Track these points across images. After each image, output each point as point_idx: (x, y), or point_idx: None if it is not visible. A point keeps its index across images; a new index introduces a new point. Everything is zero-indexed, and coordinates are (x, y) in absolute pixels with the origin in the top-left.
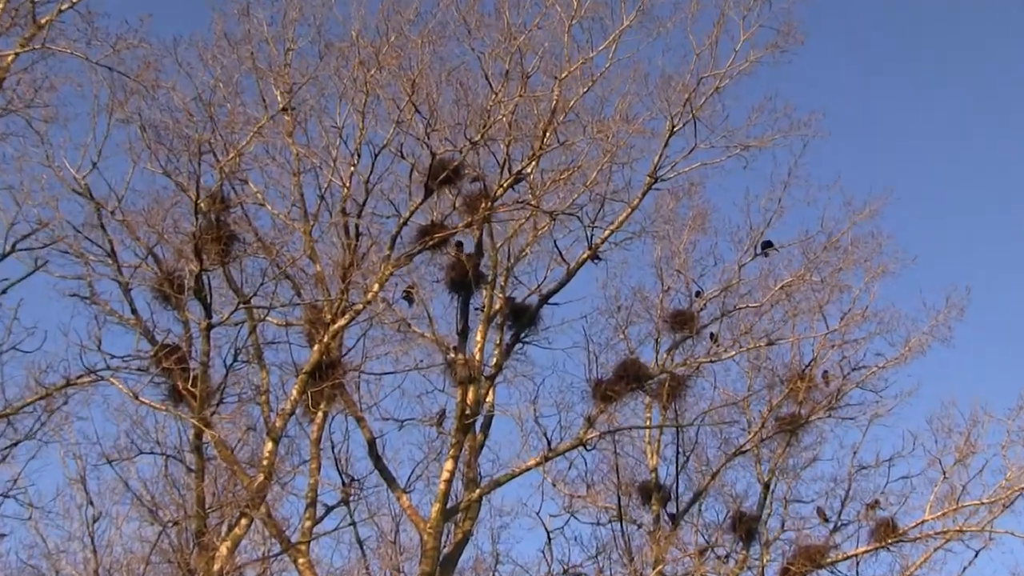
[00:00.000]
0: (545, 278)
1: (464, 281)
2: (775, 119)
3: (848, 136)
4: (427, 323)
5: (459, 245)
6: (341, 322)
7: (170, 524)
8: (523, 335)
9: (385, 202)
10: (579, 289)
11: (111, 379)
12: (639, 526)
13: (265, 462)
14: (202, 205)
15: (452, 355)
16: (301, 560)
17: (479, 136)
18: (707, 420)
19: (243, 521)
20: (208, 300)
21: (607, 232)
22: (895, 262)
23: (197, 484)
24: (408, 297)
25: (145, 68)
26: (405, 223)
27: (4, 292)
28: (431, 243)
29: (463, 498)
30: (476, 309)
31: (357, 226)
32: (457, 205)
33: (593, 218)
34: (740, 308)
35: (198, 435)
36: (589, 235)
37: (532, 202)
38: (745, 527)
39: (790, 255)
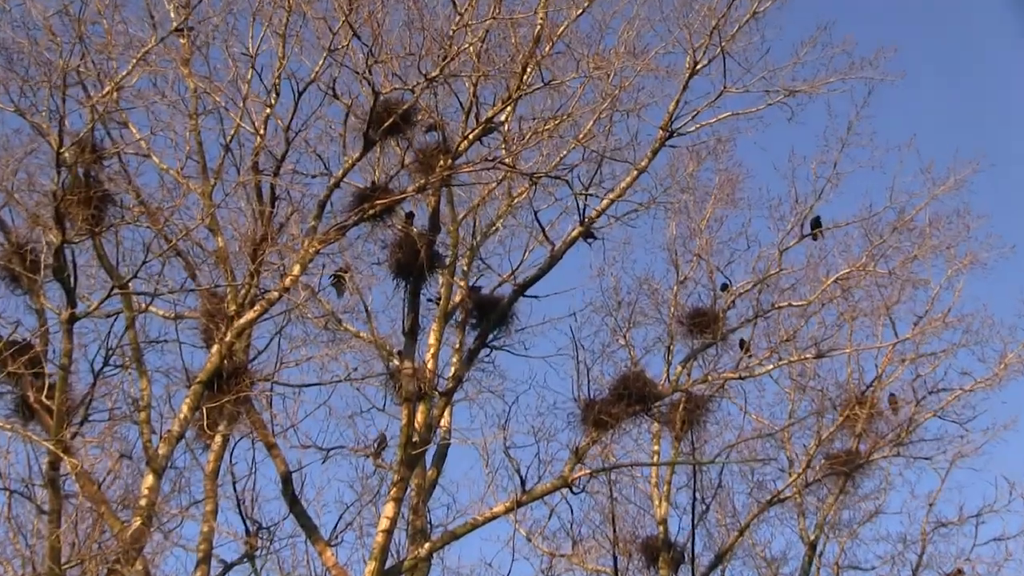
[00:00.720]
0: (522, 262)
1: (414, 264)
2: (830, 56)
3: (928, 81)
4: (364, 319)
5: (409, 216)
6: (249, 315)
7: None
8: (491, 337)
9: (311, 156)
10: (566, 278)
11: None
12: None
13: (144, 502)
14: (66, 155)
15: (396, 363)
16: None
17: (437, 71)
18: (734, 456)
19: None
20: (72, 283)
21: (605, 202)
22: (987, 250)
23: (51, 530)
24: (339, 284)
25: None
26: (337, 185)
27: None
28: (371, 212)
29: (407, 555)
30: (430, 301)
31: (273, 188)
32: (407, 162)
33: (587, 183)
34: (780, 307)
35: (54, 464)
36: (581, 206)
37: (506, 160)
38: None
39: (848, 238)
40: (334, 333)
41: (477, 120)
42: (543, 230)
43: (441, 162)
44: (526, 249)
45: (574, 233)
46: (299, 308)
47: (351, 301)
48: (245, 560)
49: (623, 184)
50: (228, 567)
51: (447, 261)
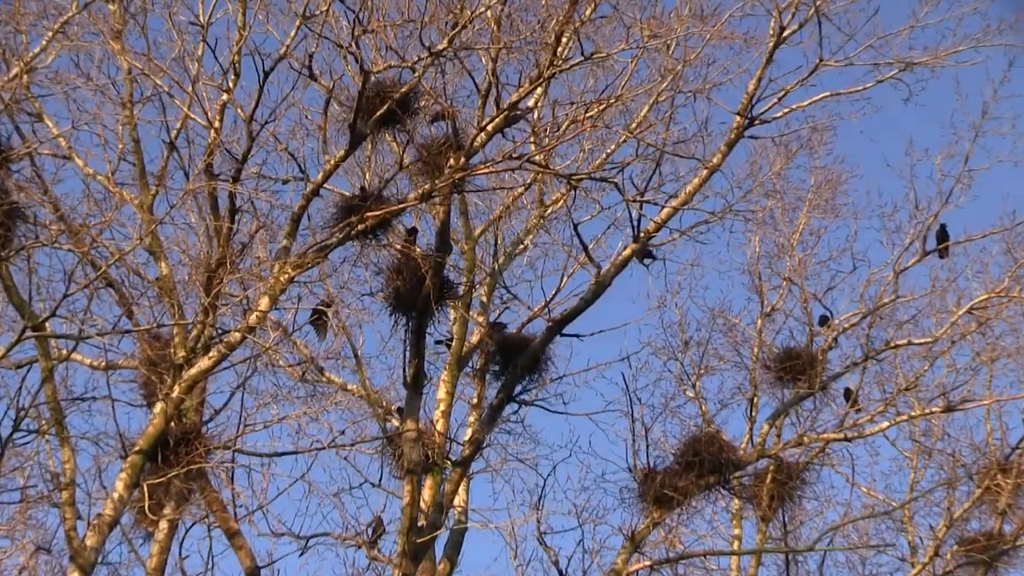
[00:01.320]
0: (558, 290)
1: (418, 295)
2: (959, 18)
3: None
4: (353, 368)
5: (410, 233)
6: (203, 364)
7: None
8: (520, 390)
9: (282, 156)
10: (617, 311)
11: None
12: None
13: None
14: None
15: (396, 423)
16: None
17: (445, 43)
18: (839, 542)
19: None
20: None
21: (666, 212)
22: None
23: None
24: (320, 322)
25: None
26: (316, 192)
27: None
28: (362, 228)
29: None
30: (439, 343)
31: (233, 197)
32: (407, 162)
33: (642, 187)
34: (897, 346)
35: None
36: (635, 217)
37: (536, 158)
38: None
39: (984, 255)
40: (314, 386)
41: (498, 106)
42: (585, 249)
43: (451, 162)
44: (564, 274)
45: (626, 252)
46: (268, 354)
47: (336, 344)
48: None
49: (690, 188)
50: None
51: (460, 291)
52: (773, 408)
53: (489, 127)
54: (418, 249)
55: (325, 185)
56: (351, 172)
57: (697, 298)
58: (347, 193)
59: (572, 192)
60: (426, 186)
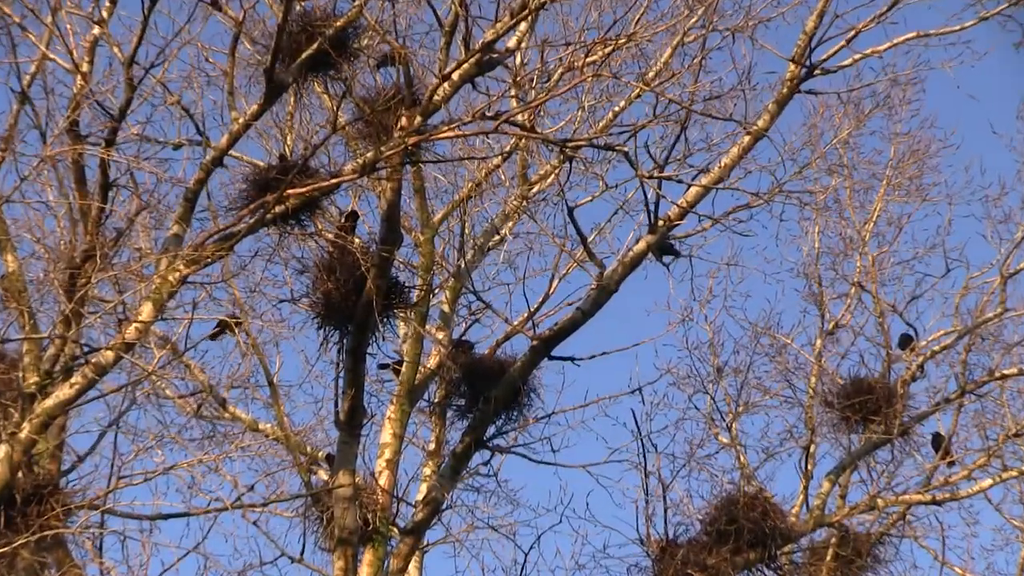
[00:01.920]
0: (547, 297)
1: (355, 303)
2: None
3: None
4: (266, 400)
5: (348, 219)
6: (63, 393)
7: None
8: (493, 431)
9: (174, 111)
10: (624, 326)
11: None
12: None
13: None
14: None
15: (324, 476)
16: None
17: None
18: None
19: None
20: None
21: (693, 192)
22: None
23: None
24: (221, 338)
25: None
26: (219, 161)
27: None
28: (280, 211)
29: None
30: (383, 368)
31: (105, 167)
32: (343, 122)
33: (662, 160)
34: (1004, 378)
35: None
36: (651, 200)
37: (518, 118)
38: None
39: None
40: (214, 424)
41: (467, 47)
42: (584, 241)
43: (403, 122)
44: (554, 275)
45: (639, 246)
46: (152, 380)
47: (244, 368)
48: None
49: (726, 160)
50: None
51: (414, 297)
52: (836, 460)
53: (455, 75)
54: (357, 240)
55: (231, 152)
56: (267, 135)
57: (735, 309)
58: (261, 163)
59: (567, 164)
60: (369, 154)
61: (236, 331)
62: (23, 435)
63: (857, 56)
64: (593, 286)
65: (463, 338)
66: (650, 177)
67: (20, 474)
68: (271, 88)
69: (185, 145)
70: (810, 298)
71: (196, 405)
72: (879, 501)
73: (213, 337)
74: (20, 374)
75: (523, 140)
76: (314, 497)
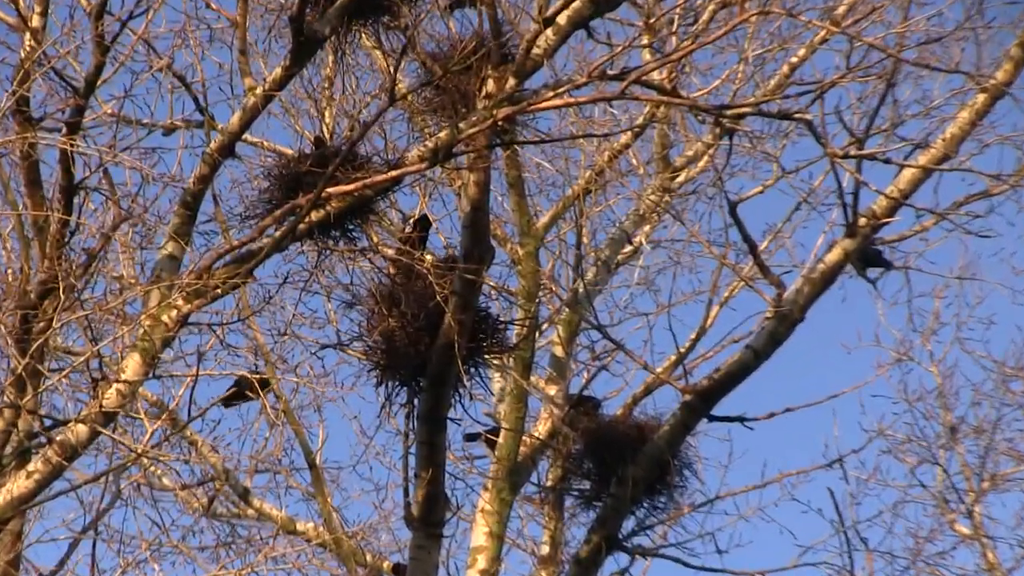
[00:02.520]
0: (702, 332)
1: (430, 347)
2: None
3: None
4: (307, 489)
5: (416, 226)
6: (18, 485)
7: None
8: (632, 526)
9: (163, 82)
10: (813, 369)
11: None
12: None
13: None
14: None
15: None
16: None
17: None
18: None
19: None
20: None
21: (907, 176)
22: None
23: None
24: (240, 401)
25: None
26: (229, 151)
27: None
28: (318, 218)
29: None
30: (471, 439)
31: (69, 160)
32: (403, 89)
33: (861, 131)
34: None
35: None
36: (846, 188)
37: (654, 77)
38: None
39: None
40: (232, 525)
41: None
42: (754, 250)
43: (490, 87)
44: (711, 300)
45: (832, 256)
46: (144, 464)
47: (275, 443)
48: None
49: (952, 129)
50: None
51: (511, 337)
52: None
53: (561, 18)
54: (429, 257)
55: (246, 136)
56: (297, 110)
57: (973, 343)
58: (289, 151)
59: (726, 141)
60: (442, 134)
61: (260, 392)
62: None
63: None
64: (768, 314)
65: (585, 394)
66: (845, 156)
67: None
68: (300, 44)
69: (180, 128)
70: None
71: (207, 499)
72: None
73: (228, 402)
74: None
75: (662, 108)
76: None
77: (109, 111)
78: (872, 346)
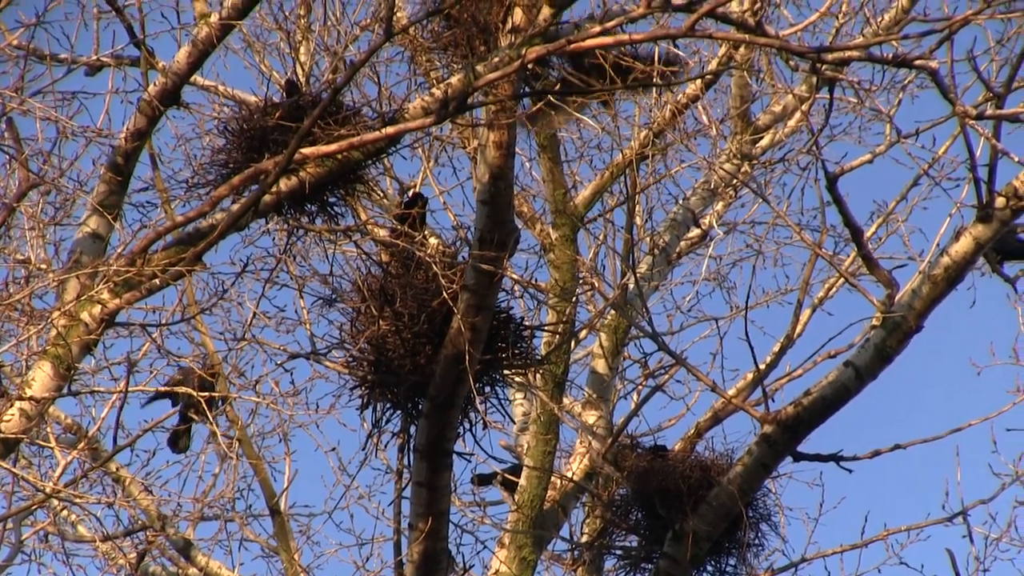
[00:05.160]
0: (790, 342)
1: (433, 360)
2: None
3: None
4: (270, 546)
5: (412, 202)
6: None
7: None
8: None
9: (84, 3)
10: (927, 398)
11: None
12: None
13: None
14: None
15: None
16: None
17: None
18: None
19: None
20: None
21: None
22: None
23: None
24: (184, 432)
25: None
26: (174, 99)
27: None
28: (290, 186)
29: None
30: (484, 481)
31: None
32: (404, 20)
33: (1002, 86)
34: None
35: None
36: (982, 160)
37: (733, 9)
38: None
39: None
40: None
41: None
42: (857, 237)
43: (517, 18)
44: (801, 301)
45: (960, 245)
46: (55, 508)
47: (225, 483)
48: None
49: None
50: None
51: (539, 347)
52: None
53: None
54: (433, 239)
55: (195, 78)
56: (263, 45)
57: None
58: (253, 98)
59: (825, 95)
60: (454, 80)
61: (208, 414)
62: None
63: None
64: (875, 321)
65: (635, 419)
66: (979, 117)
67: None
68: None
69: (110, 66)
70: None
71: (137, 553)
72: None
73: (175, 441)
74: None
75: (742, 49)
76: None
77: (15, 42)
78: (1010, 364)
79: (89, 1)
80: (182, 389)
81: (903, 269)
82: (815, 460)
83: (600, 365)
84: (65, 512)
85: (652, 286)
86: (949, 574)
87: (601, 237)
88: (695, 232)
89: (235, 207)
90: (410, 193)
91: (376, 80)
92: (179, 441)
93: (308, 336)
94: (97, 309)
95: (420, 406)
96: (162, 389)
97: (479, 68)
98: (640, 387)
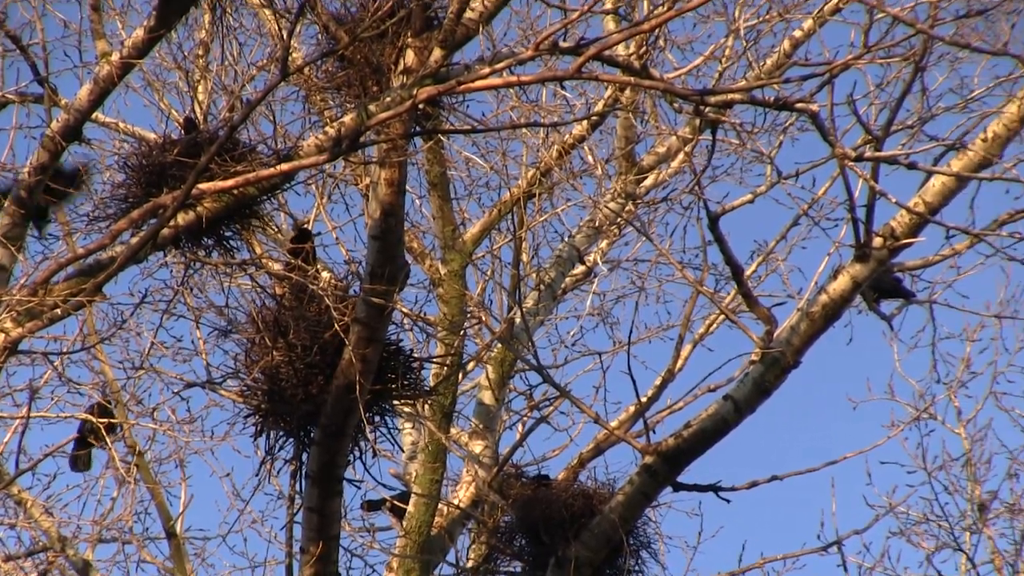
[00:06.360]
0: (671, 375)
1: (322, 387)
2: None
3: None
4: (166, 568)
5: (299, 237)
6: None
7: None
8: None
9: None
10: (803, 431)
11: None
12: None
13: None
14: None
15: None
16: None
17: None
18: None
19: None
20: None
21: (936, 186)
22: None
23: None
24: (83, 457)
25: None
26: (75, 134)
27: None
28: (188, 220)
29: None
30: (373, 508)
31: None
32: (300, 60)
33: (881, 128)
34: None
35: None
36: (861, 201)
37: (619, 53)
38: None
39: None
40: None
41: None
42: (738, 276)
43: (409, 59)
44: (683, 337)
45: (838, 284)
46: None
47: (123, 507)
48: None
49: (995, 127)
50: None
51: (428, 379)
52: None
53: None
54: (326, 273)
55: (97, 115)
56: (163, 83)
57: (1011, 398)
58: (152, 135)
59: (708, 137)
60: (348, 119)
61: (108, 440)
62: None
63: None
64: (754, 357)
65: (520, 449)
66: (858, 159)
67: None
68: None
69: (13, 103)
70: None
71: (39, 574)
72: None
73: (78, 463)
74: None
75: (628, 91)
76: None
77: None
78: (885, 399)
79: None
80: (82, 416)
81: (782, 307)
82: (694, 490)
83: (487, 396)
84: None
85: (538, 320)
86: None
87: (489, 273)
88: (580, 269)
89: (134, 240)
90: (299, 228)
91: (272, 118)
92: (78, 463)
93: (204, 365)
94: (1, 338)
95: (312, 434)
96: (77, 444)
97: (372, 108)
98: (525, 418)
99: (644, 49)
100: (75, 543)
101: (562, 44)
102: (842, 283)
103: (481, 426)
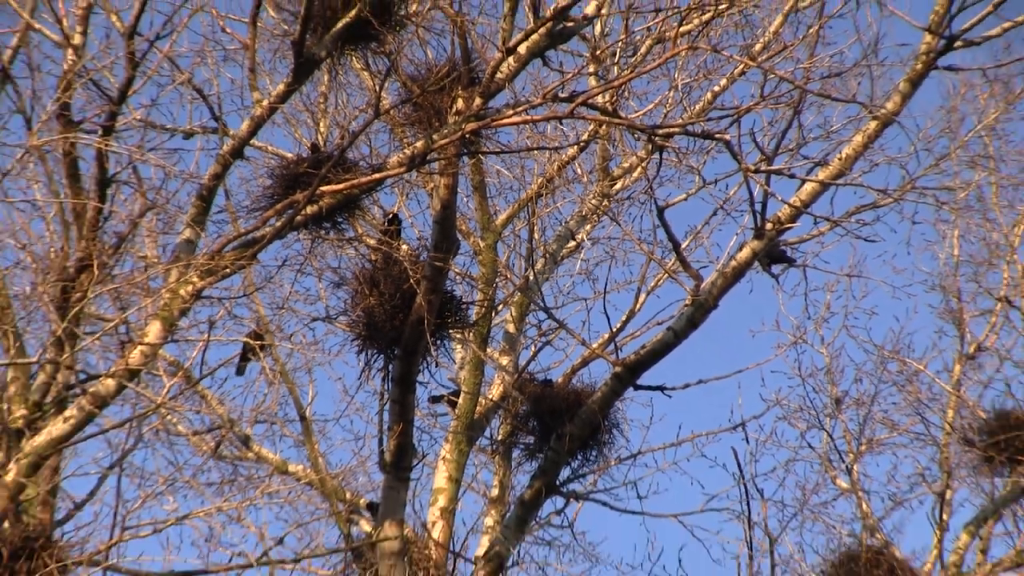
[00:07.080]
0: (632, 315)
1: (404, 322)
2: None
3: None
4: (298, 438)
5: (391, 221)
6: (56, 428)
7: None
8: (568, 474)
9: (184, 93)
10: (724, 349)
11: None
12: None
13: None
14: None
15: (366, 527)
16: None
17: None
18: None
19: None
20: None
21: (809, 189)
22: None
23: None
24: (244, 364)
25: None
26: (239, 154)
27: None
28: (312, 211)
29: None
30: (436, 400)
31: (103, 159)
32: (387, 105)
33: (771, 150)
34: None
35: None
36: (757, 198)
37: (598, 100)
38: None
39: None
40: (235, 466)
41: (535, 14)
42: (677, 248)
43: (459, 104)
44: (640, 289)
45: (743, 254)
46: (162, 413)
47: (271, 399)
48: None
49: (848, 150)
50: None
51: (472, 315)
52: (977, 508)
53: (521, 48)
54: (405, 247)
55: (253, 142)
56: (296, 121)
57: (857, 329)
58: (289, 155)
59: (657, 156)
60: (418, 144)
61: (261, 355)
62: (9, 478)
63: (1007, 25)
64: (687, 302)
65: (532, 361)
66: (756, 171)
67: (6, 524)
68: (300, 64)
69: (198, 133)
70: (947, 316)
71: (214, 443)
72: None
73: (240, 371)
74: (5, 406)
75: (604, 127)
76: (355, 552)
77: (138, 117)
78: (773, 331)
79: (185, 91)
80: (243, 339)
81: (706, 268)
82: (648, 389)
83: (511, 328)
84: (169, 417)
85: (544, 278)
86: (733, 463)
87: (512, 246)
88: (572, 244)
89: (278, 224)
90: (388, 216)
91: (369, 143)
92: (241, 371)
93: (324, 307)
94: (190, 288)
95: (395, 352)
96: (241, 356)
97: (434, 136)
98: (536, 342)
99: (615, 98)
100: (239, 423)
101: (560, 95)
102: (745, 253)
103: (507, 347)
